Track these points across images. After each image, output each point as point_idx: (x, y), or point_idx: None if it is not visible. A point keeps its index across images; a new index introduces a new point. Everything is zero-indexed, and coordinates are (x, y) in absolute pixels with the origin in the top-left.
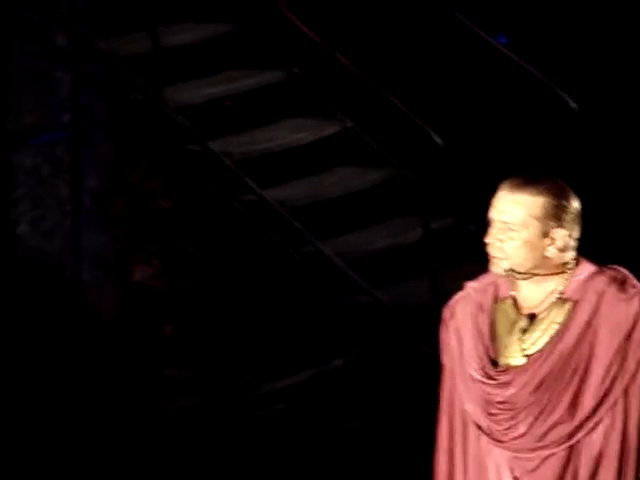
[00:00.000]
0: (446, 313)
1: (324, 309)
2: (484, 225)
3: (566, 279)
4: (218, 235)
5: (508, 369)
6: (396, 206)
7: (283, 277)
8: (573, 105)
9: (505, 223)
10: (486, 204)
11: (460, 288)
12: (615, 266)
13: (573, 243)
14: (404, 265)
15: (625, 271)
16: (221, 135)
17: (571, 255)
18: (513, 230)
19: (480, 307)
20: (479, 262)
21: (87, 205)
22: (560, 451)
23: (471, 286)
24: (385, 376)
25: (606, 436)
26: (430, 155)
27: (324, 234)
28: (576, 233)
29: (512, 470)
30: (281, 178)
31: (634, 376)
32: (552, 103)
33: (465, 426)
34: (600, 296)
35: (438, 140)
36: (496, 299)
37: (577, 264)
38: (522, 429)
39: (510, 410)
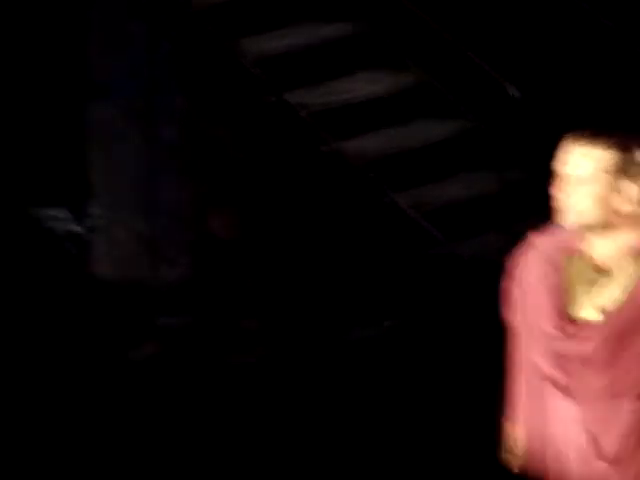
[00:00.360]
0: (511, 265)
1: (400, 261)
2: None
3: (638, 233)
4: (293, 187)
5: (585, 324)
6: (471, 159)
7: (358, 229)
8: None
9: (574, 177)
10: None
11: (526, 240)
12: None
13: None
14: (479, 218)
15: None
16: (297, 87)
17: None
18: (583, 184)
19: (549, 260)
20: (552, 216)
21: (162, 156)
22: (632, 401)
23: (538, 238)
24: (457, 331)
25: None
26: (506, 107)
27: (401, 185)
28: None
29: (585, 423)
30: (357, 130)
31: None
32: None
33: (535, 379)
34: None
35: (514, 92)
36: (566, 252)
37: None
38: (597, 383)
39: (586, 364)
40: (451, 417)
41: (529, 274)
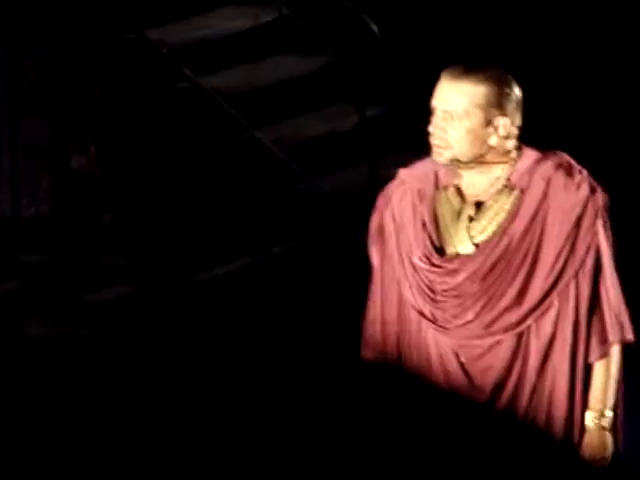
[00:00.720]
0: (381, 200)
1: (262, 197)
2: (420, 113)
3: (511, 167)
4: (154, 123)
5: (456, 257)
6: (332, 93)
7: (220, 165)
8: None
9: (447, 112)
10: (422, 92)
11: (394, 175)
12: (557, 151)
13: (515, 131)
14: (340, 153)
15: (567, 156)
16: (158, 24)
17: (513, 143)
18: (456, 119)
19: (420, 194)
20: (416, 150)
21: (22, 95)
22: (509, 337)
23: (408, 173)
24: (322, 264)
25: (557, 321)
26: (366, 43)
27: (261, 122)
28: (518, 121)
29: (458, 356)
30: (218, 66)
31: (583, 261)
32: None
33: (403, 311)
34: (547, 183)
35: (374, 28)
36: (437, 187)
37: (520, 151)
38: (469, 316)
39: (457, 298)
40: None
41: (400, 209)
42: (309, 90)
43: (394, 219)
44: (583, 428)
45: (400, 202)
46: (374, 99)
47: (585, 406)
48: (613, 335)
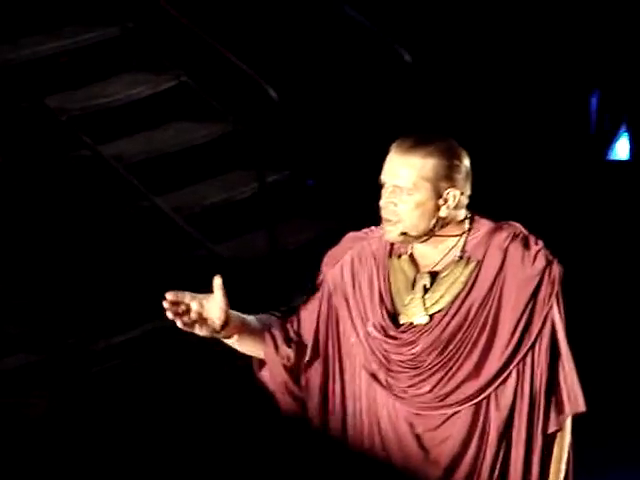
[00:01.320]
0: (329, 259)
1: (162, 264)
2: (320, 178)
3: (464, 237)
4: (53, 191)
5: (411, 328)
6: (232, 160)
7: (120, 232)
8: (407, 57)
9: (397, 186)
10: (321, 157)
11: (342, 242)
12: (510, 221)
13: (466, 201)
14: (240, 219)
15: (521, 226)
16: (57, 91)
17: (464, 213)
18: (405, 193)
19: (374, 260)
20: (315, 215)
21: None
22: (466, 409)
23: (361, 237)
24: None
25: (516, 392)
26: (265, 109)
27: (161, 189)
28: (468, 191)
29: (413, 426)
30: (117, 133)
31: (540, 332)
32: (386, 56)
33: (345, 372)
34: (504, 254)
35: (273, 94)
36: (390, 254)
37: (472, 221)
38: (426, 388)
39: (413, 369)
40: None
41: (353, 272)
42: (209, 157)
43: (343, 286)
44: None
45: (353, 265)
46: (274, 165)
47: (542, 478)
48: (569, 407)
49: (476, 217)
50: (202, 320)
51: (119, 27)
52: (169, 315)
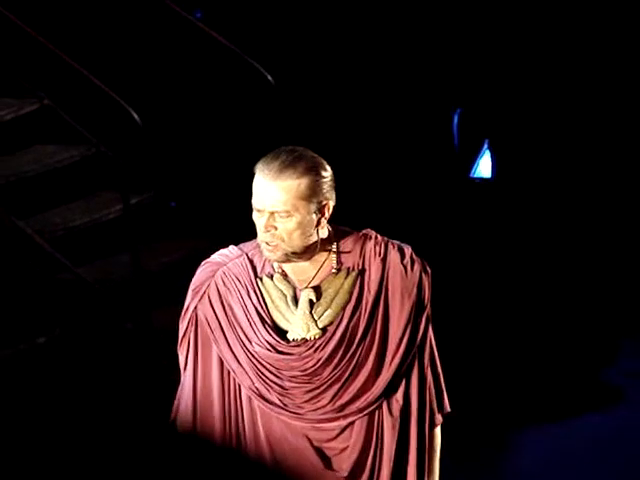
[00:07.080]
0: (194, 291)
1: (25, 287)
2: (183, 200)
3: (334, 248)
4: None
5: (303, 342)
6: (95, 183)
7: None
8: (270, 79)
9: (275, 212)
10: (184, 179)
11: (213, 262)
12: (366, 229)
13: (331, 212)
14: (104, 241)
15: (375, 232)
16: None
17: (327, 225)
18: (283, 216)
19: (239, 282)
20: (179, 237)
21: None
22: (362, 417)
23: (216, 262)
24: (89, 352)
25: (405, 394)
26: (129, 132)
27: (23, 212)
28: (334, 201)
29: (311, 440)
30: None
31: (424, 335)
32: (250, 79)
33: (235, 397)
34: (383, 262)
35: (136, 117)
36: (256, 274)
37: (335, 232)
38: (324, 401)
39: (308, 383)
40: None
41: (220, 303)
42: (73, 180)
43: (214, 309)
44: None
45: (219, 291)
46: (138, 187)
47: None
48: (447, 403)
49: (335, 226)
50: None
51: None
52: None
